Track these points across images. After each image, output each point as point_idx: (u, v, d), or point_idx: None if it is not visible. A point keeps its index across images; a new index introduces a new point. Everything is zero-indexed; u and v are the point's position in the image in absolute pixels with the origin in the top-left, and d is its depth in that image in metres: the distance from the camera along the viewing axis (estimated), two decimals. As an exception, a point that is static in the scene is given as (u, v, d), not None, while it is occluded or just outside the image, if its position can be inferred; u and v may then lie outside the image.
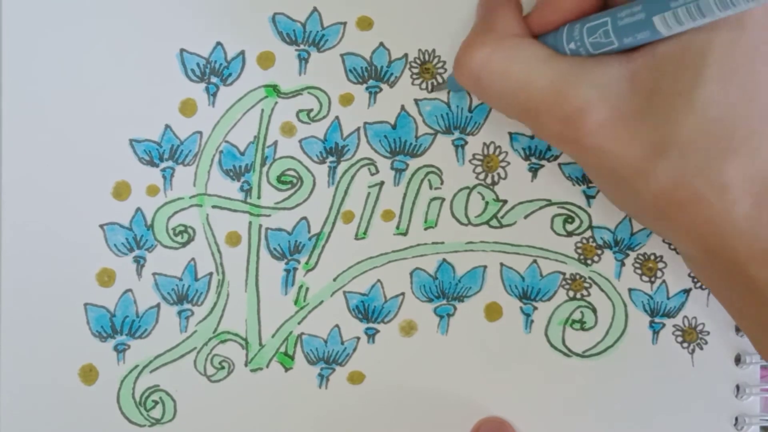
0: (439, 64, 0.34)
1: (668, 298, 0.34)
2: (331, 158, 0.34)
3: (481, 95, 0.30)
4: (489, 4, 0.31)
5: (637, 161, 0.27)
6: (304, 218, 0.34)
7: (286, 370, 0.34)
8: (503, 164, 0.35)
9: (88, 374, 0.33)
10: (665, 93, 0.26)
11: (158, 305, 0.34)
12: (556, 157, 0.35)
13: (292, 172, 0.34)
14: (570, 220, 0.35)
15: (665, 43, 0.26)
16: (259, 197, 0.34)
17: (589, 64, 0.28)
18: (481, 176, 0.34)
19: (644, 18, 0.26)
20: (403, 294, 0.34)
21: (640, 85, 0.27)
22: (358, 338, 0.34)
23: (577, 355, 0.34)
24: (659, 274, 0.34)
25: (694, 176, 0.26)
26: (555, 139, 0.29)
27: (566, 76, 0.27)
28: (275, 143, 0.34)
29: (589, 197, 0.35)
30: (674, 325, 0.34)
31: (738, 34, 0.26)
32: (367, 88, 0.34)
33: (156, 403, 0.34)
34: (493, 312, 0.34)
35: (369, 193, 0.34)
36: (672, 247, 0.35)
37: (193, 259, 0.34)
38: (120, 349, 0.33)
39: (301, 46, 0.34)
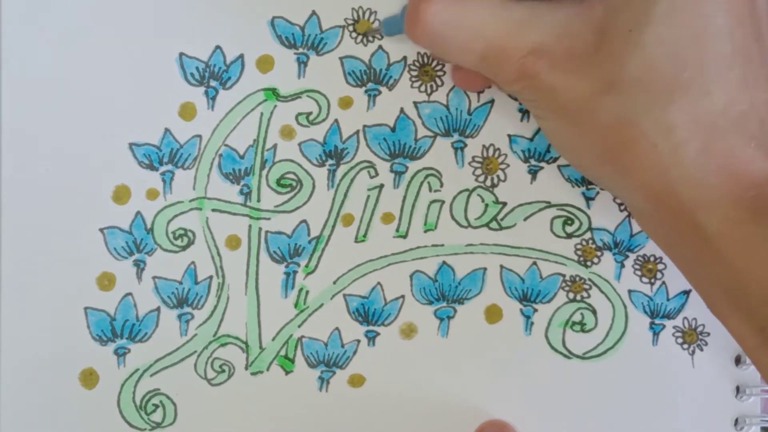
0: (438, 67, 0.34)
1: (668, 300, 0.34)
2: (330, 161, 0.34)
3: (437, 50, 0.29)
4: None
5: (586, 97, 0.27)
6: (304, 221, 0.34)
7: (287, 373, 0.34)
8: (503, 166, 0.35)
9: (89, 378, 0.33)
10: (616, 30, 0.26)
11: (158, 309, 0.34)
12: (556, 159, 0.35)
13: (291, 176, 0.34)
14: (569, 221, 0.35)
15: None
16: (258, 200, 0.34)
17: (543, 7, 0.27)
18: (481, 178, 0.34)
19: None
20: (403, 296, 0.34)
21: (592, 22, 0.27)
22: (359, 341, 0.34)
23: (578, 356, 0.34)
24: (659, 275, 0.34)
25: (640, 115, 0.26)
26: (513, 84, 0.29)
27: (521, 20, 0.27)
28: (274, 146, 0.34)
29: (588, 199, 0.35)
30: (674, 327, 0.34)
31: None
32: (366, 91, 0.34)
33: (156, 406, 0.34)
34: (493, 314, 0.34)
35: (368, 196, 0.34)
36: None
37: (193, 262, 0.34)
38: (120, 353, 0.33)
39: (300, 50, 0.34)
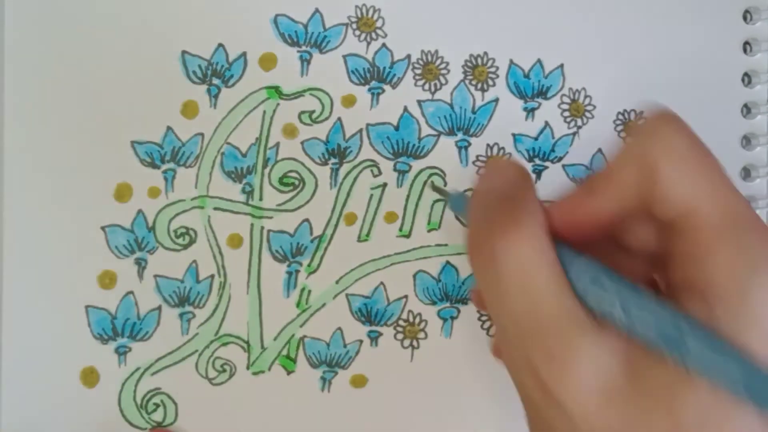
0: (442, 65, 0.34)
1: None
2: (333, 160, 0.34)
3: (483, 281, 0.26)
4: (514, 186, 0.27)
5: None
6: (306, 220, 0.34)
7: (288, 373, 0.34)
8: (507, 166, 0.34)
9: (89, 377, 0.33)
10: (651, 386, 0.24)
11: (159, 307, 0.33)
12: (560, 159, 0.34)
13: (294, 174, 0.34)
14: (574, 221, 0.34)
15: None
16: (260, 199, 0.34)
17: (598, 320, 0.25)
18: (485, 178, 0.34)
19: (654, 339, 0.24)
20: (406, 296, 0.34)
21: (632, 367, 0.25)
22: (361, 341, 0.34)
23: (582, 358, 0.34)
24: (664, 276, 0.34)
25: None
26: (523, 367, 0.26)
27: (577, 319, 0.25)
28: (277, 145, 0.34)
29: (593, 199, 0.34)
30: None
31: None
32: (369, 90, 0.34)
33: (157, 405, 0.33)
34: (496, 314, 0.34)
35: (372, 195, 0.34)
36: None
37: (194, 261, 0.33)
38: (121, 352, 0.33)
39: (303, 48, 0.34)
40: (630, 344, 0.25)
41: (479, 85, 0.34)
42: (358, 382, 0.34)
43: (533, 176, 0.30)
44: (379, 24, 0.34)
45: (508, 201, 0.26)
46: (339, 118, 0.34)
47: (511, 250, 0.25)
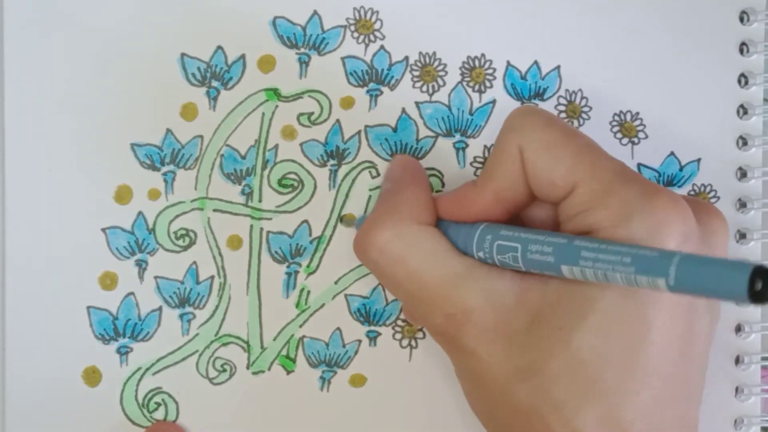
0: (440, 67, 0.34)
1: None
2: (332, 161, 0.34)
3: (377, 276, 0.31)
4: (396, 184, 0.31)
5: (505, 377, 0.27)
6: (306, 221, 0.34)
7: (288, 373, 0.34)
8: (504, 167, 0.35)
9: (92, 376, 0.34)
10: (546, 322, 0.27)
11: (160, 308, 0.34)
12: (557, 160, 0.35)
13: (293, 176, 0.34)
14: (571, 222, 0.35)
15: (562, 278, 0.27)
16: (260, 201, 0.34)
17: (483, 270, 0.28)
18: (482, 179, 0.34)
19: (552, 262, 0.26)
20: (404, 296, 0.34)
21: (526, 305, 0.27)
22: (360, 341, 0.34)
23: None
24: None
25: (551, 411, 0.26)
26: (435, 332, 0.30)
27: (459, 276, 0.28)
28: (276, 147, 0.34)
29: (589, 199, 0.35)
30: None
31: (629, 293, 0.26)
32: (367, 91, 0.34)
33: (159, 405, 0.34)
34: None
35: (370, 196, 0.34)
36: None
37: (194, 262, 0.34)
38: (123, 352, 0.34)
39: (302, 50, 0.34)
40: (524, 281, 0.28)
41: (477, 87, 0.34)
42: (357, 381, 0.34)
43: (420, 168, 0.33)
44: (377, 26, 0.34)
45: (381, 201, 0.31)
46: (337, 120, 0.34)
47: (382, 248, 0.29)
